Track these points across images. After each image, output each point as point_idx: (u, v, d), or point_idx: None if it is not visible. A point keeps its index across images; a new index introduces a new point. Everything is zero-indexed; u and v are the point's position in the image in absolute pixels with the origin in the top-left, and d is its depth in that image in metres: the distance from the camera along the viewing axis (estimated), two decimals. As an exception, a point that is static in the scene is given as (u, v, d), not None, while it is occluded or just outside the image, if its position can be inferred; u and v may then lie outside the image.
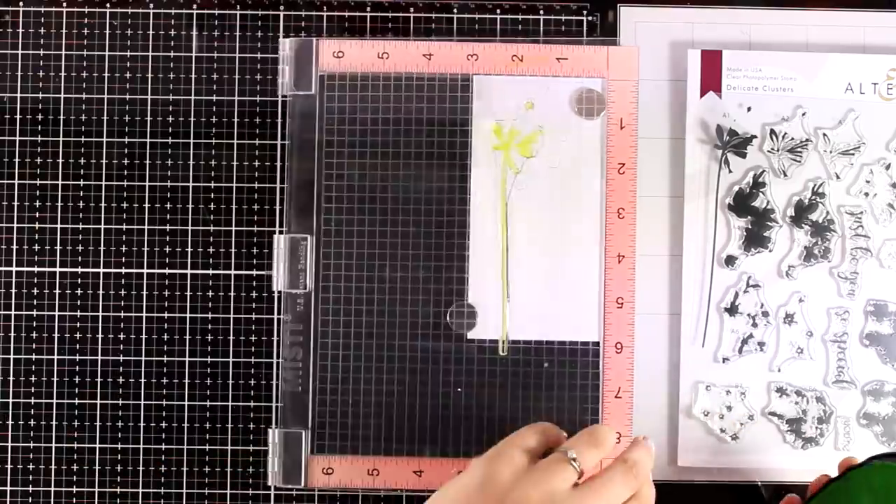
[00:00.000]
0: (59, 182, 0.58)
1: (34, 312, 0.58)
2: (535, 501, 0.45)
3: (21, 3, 0.58)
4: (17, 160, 0.58)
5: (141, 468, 0.57)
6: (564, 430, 0.51)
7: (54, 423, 0.57)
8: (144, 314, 0.58)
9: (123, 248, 0.58)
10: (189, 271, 0.58)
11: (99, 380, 0.57)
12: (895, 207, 0.57)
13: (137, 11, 0.58)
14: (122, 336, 0.58)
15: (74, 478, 0.57)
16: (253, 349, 0.58)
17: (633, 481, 0.48)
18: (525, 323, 0.57)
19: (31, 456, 0.57)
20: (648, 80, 0.58)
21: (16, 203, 0.58)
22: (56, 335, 0.58)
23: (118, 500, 0.57)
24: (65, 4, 0.58)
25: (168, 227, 0.58)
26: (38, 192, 0.58)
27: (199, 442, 0.57)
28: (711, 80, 0.57)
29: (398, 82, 0.57)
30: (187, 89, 0.58)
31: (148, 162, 0.58)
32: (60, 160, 0.58)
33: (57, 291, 0.58)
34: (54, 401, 0.57)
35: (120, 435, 0.57)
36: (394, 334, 0.57)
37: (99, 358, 0.58)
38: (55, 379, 0.57)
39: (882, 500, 0.49)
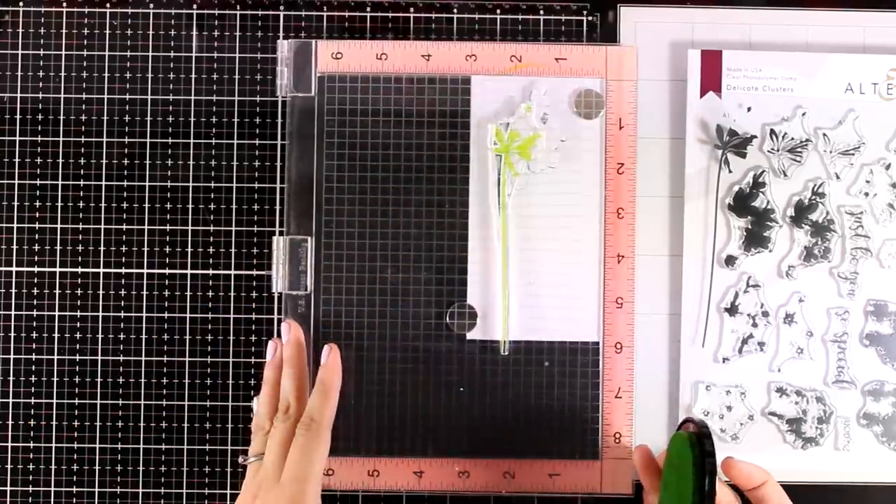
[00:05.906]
0: (59, 182, 0.58)
1: (34, 312, 0.58)
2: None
3: (21, 3, 0.58)
4: (17, 160, 0.58)
5: (141, 468, 0.57)
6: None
7: (54, 423, 0.57)
8: (144, 314, 0.58)
9: (123, 248, 0.58)
10: (189, 271, 0.58)
11: (99, 380, 0.57)
12: (895, 207, 0.57)
13: (137, 11, 0.58)
14: (122, 336, 0.58)
15: (74, 478, 0.57)
16: (253, 349, 0.58)
17: (281, 426, 0.52)
18: (525, 323, 0.57)
19: (31, 456, 0.57)
20: (648, 80, 0.58)
21: (16, 203, 0.58)
22: (56, 335, 0.58)
23: (118, 500, 0.57)
24: (65, 4, 0.58)
25: (168, 227, 0.58)
26: (38, 192, 0.58)
27: (199, 442, 0.57)
28: (711, 80, 0.57)
29: (398, 83, 0.57)
30: (187, 89, 0.58)
31: (148, 162, 0.58)
32: (60, 160, 0.58)
33: (57, 291, 0.58)
34: (54, 401, 0.57)
35: (120, 435, 0.57)
36: (394, 335, 0.57)
37: (99, 358, 0.57)
38: (55, 379, 0.57)
39: (678, 469, 0.49)
